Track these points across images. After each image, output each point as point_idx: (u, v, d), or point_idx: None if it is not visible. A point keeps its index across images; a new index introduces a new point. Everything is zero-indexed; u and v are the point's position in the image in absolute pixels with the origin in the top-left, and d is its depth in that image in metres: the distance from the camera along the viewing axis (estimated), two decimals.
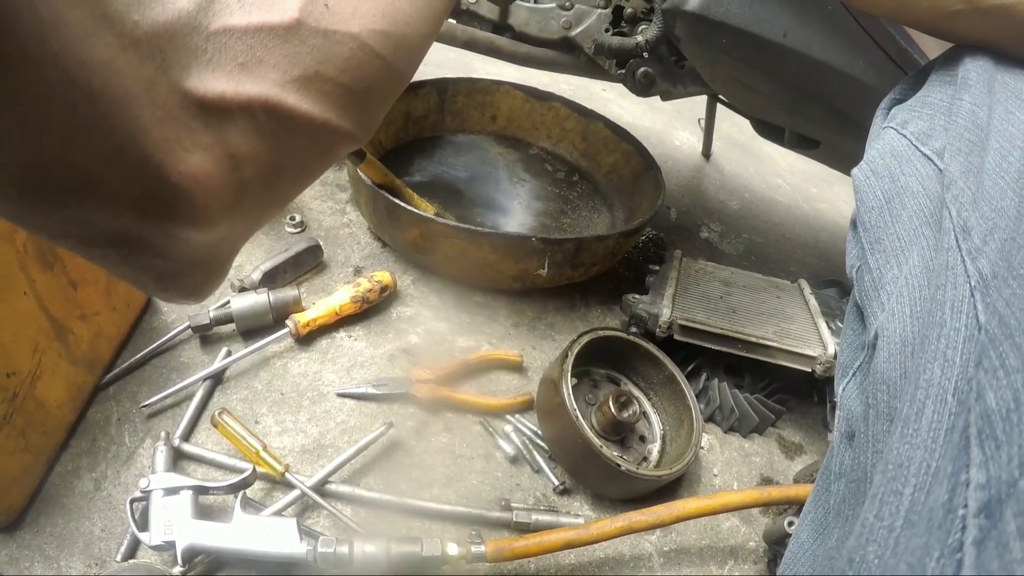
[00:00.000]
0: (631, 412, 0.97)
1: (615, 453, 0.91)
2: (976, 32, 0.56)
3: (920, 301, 0.41)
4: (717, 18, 0.99)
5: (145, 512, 0.75)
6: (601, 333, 1.03)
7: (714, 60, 1.17)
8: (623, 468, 0.89)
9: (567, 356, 0.97)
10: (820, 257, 1.75)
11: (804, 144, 1.42)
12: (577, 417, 0.90)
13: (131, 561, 0.76)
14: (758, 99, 1.28)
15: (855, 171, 0.53)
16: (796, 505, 0.96)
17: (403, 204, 1.10)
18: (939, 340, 0.36)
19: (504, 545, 0.82)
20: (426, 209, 1.19)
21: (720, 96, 1.59)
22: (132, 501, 0.76)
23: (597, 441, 0.90)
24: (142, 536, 0.74)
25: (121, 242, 0.27)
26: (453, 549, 0.80)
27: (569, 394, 0.92)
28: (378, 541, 0.78)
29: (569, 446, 0.94)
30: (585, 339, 1.01)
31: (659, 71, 1.29)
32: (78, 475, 0.85)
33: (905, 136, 0.51)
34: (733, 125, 2.16)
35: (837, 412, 0.51)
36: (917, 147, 0.49)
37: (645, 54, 1.24)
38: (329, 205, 1.38)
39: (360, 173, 1.13)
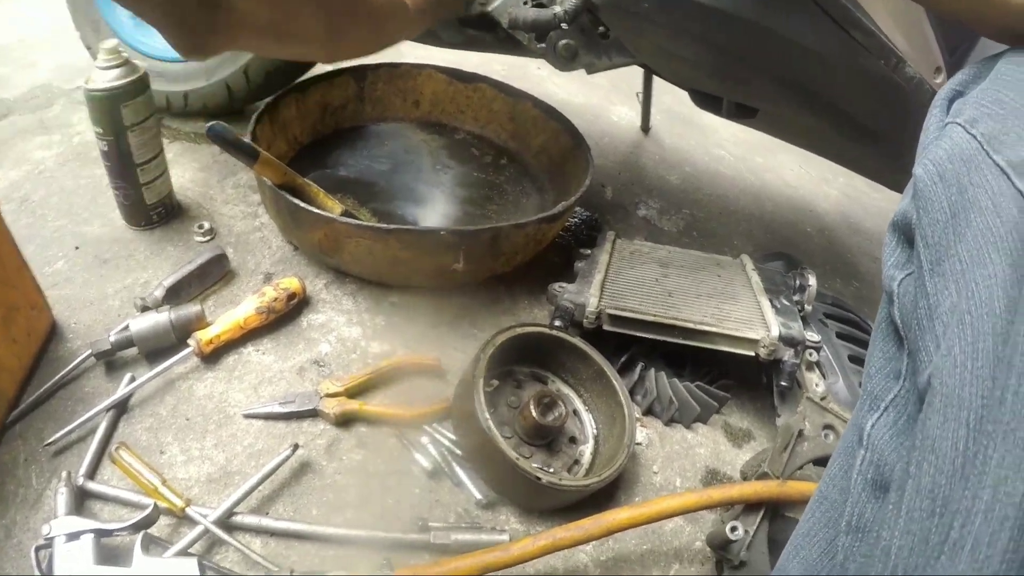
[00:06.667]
0: (555, 415, 0.90)
1: (535, 465, 0.84)
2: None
3: (984, 355, 0.35)
4: None
5: (51, 560, 0.71)
6: (519, 330, 0.95)
7: (637, 28, 1.09)
8: (544, 481, 0.82)
9: (479, 360, 0.89)
10: (766, 229, 1.68)
11: (742, 113, 1.36)
12: (490, 428, 0.83)
13: None
14: (687, 68, 1.21)
15: (917, 170, 0.46)
16: (740, 505, 0.89)
17: (304, 205, 1.02)
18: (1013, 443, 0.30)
19: (415, 574, 0.75)
20: (332, 207, 1.11)
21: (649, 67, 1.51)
22: (37, 549, 0.72)
23: (513, 454, 0.82)
24: None
25: None
26: None
27: (480, 402, 0.84)
28: None
29: (485, 459, 0.86)
30: (501, 339, 0.93)
31: (581, 43, 1.21)
32: None
33: (975, 137, 0.44)
34: (675, 97, 2.08)
35: (862, 452, 0.46)
36: (989, 154, 0.42)
37: (564, 25, 1.16)
38: (241, 209, 1.29)
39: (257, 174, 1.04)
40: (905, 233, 0.47)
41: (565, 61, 1.22)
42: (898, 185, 1.38)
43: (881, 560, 0.37)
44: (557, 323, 1.04)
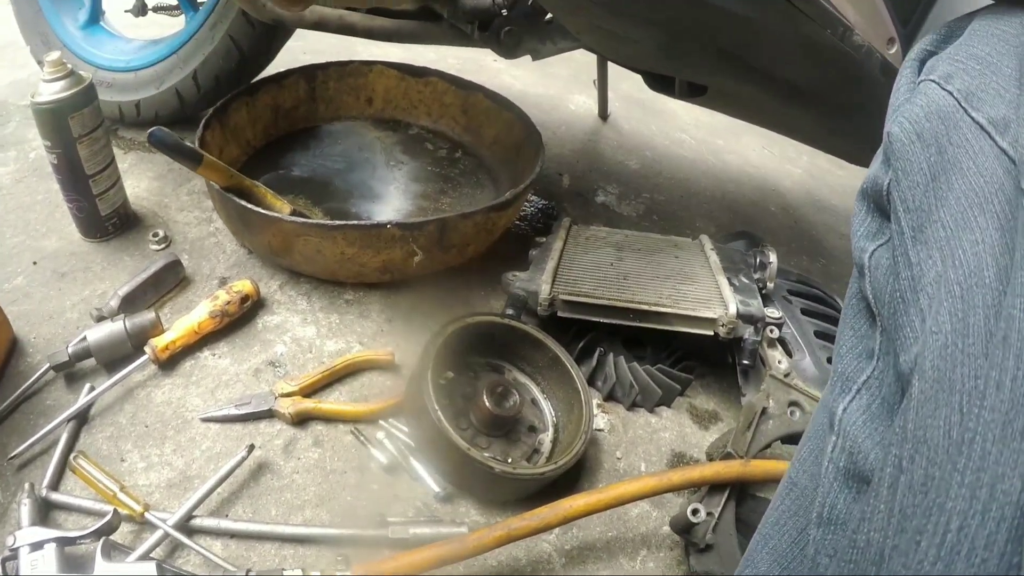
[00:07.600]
0: (510, 404, 0.89)
1: (488, 455, 0.83)
2: None
3: (976, 331, 0.32)
4: None
5: (17, 571, 0.71)
6: (469, 321, 0.95)
7: (575, 9, 1.08)
8: (497, 470, 0.81)
9: (428, 352, 0.88)
10: (729, 209, 1.68)
11: (693, 91, 1.35)
12: (440, 419, 0.82)
13: None
14: (631, 48, 1.20)
15: (893, 128, 0.43)
16: (705, 486, 0.89)
17: (251, 206, 1.01)
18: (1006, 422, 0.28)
19: (371, 568, 0.75)
20: (281, 208, 1.10)
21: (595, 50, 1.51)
22: (3, 561, 0.72)
23: (464, 444, 0.81)
24: None
25: None
26: None
27: (430, 394, 0.83)
28: None
29: (438, 451, 0.85)
30: (451, 329, 0.92)
31: (524, 29, 1.20)
32: None
33: (951, 94, 0.41)
34: (633, 84, 2.06)
35: (833, 438, 0.42)
36: (967, 111, 0.39)
37: (504, 12, 1.15)
38: (196, 215, 1.27)
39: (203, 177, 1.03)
40: (876, 201, 0.44)
41: (509, 49, 1.21)
42: (854, 156, 1.38)
43: (875, 563, 0.33)
44: (509, 311, 1.03)
